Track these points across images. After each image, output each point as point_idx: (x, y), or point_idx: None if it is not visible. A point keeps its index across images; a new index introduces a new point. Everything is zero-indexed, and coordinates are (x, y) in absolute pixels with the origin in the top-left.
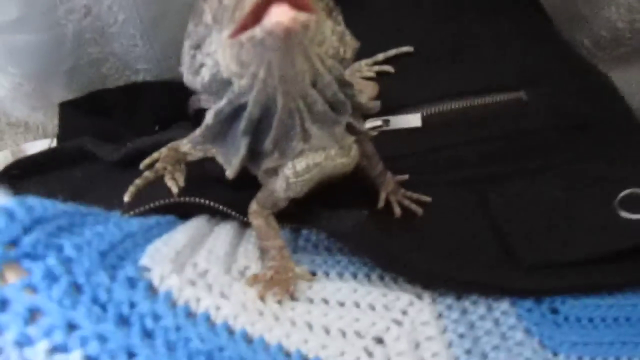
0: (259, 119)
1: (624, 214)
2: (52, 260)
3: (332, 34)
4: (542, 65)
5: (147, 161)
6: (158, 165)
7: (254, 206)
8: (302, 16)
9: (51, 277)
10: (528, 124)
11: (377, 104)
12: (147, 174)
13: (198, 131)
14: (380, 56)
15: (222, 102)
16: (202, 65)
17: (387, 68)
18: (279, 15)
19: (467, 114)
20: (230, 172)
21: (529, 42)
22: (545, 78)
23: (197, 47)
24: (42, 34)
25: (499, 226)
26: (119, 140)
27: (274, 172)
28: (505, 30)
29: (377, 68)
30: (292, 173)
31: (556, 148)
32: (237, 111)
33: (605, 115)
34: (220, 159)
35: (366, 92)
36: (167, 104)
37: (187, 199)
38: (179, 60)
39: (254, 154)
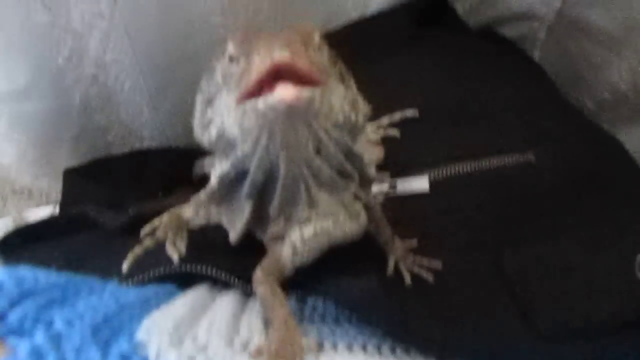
0: (263, 184)
1: None
2: (39, 337)
3: (344, 101)
4: (549, 126)
5: (147, 228)
6: (159, 233)
7: (258, 274)
8: (306, 92)
9: (38, 355)
10: (538, 185)
11: (385, 176)
12: (146, 242)
13: (203, 194)
14: (385, 119)
15: (227, 166)
16: (210, 121)
17: (393, 132)
18: (283, 92)
19: (476, 176)
20: (233, 236)
21: (535, 104)
22: (552, 138)
23: (208, 102)
24: (49, 102)
25: (516, 292)
26: (123, 209)
27: (280, 238)
28: (510, 92)
29: (382, 132)
30: (299, 240)
31: (569, 208)
32: (241, 174)
33: (615, 173)
34: (224, 222)
35: (373, 157)
36: (171, 170)
37: (187, 267)
38: (184, 128)
39: (260, 218)
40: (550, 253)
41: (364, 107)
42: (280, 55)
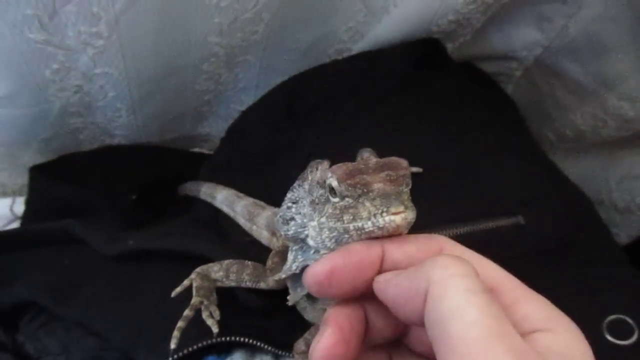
0: None
1: (611, 339)
2: None
3: None
4: (537, 189)
5: (178, 289)
6: (194, 301)
7: (302, 347)
8: (411, 215)
9: None
10: (525, 248)
11: None
12: (187, 313)
13: (283, 274)
14: None
15: (308, 260)
16: (292, 218)
17: None
18: (395, 217)
19: (471, 238)
20: (292, 300)
21: (525, 166)
22: (539, 202)
23: (295, 202)
24: (28, 109)
25: None
26: (92, 209)
27: None
28: (504, 153)
29: None
30: None
31: (545, 271)
32: None
33: (588, 233)
34: (288, 284)
35: None
36: (142, 168)
37: (229, 339)
38: (159, 129)
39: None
40: None
41: None
42: (396, 209)
